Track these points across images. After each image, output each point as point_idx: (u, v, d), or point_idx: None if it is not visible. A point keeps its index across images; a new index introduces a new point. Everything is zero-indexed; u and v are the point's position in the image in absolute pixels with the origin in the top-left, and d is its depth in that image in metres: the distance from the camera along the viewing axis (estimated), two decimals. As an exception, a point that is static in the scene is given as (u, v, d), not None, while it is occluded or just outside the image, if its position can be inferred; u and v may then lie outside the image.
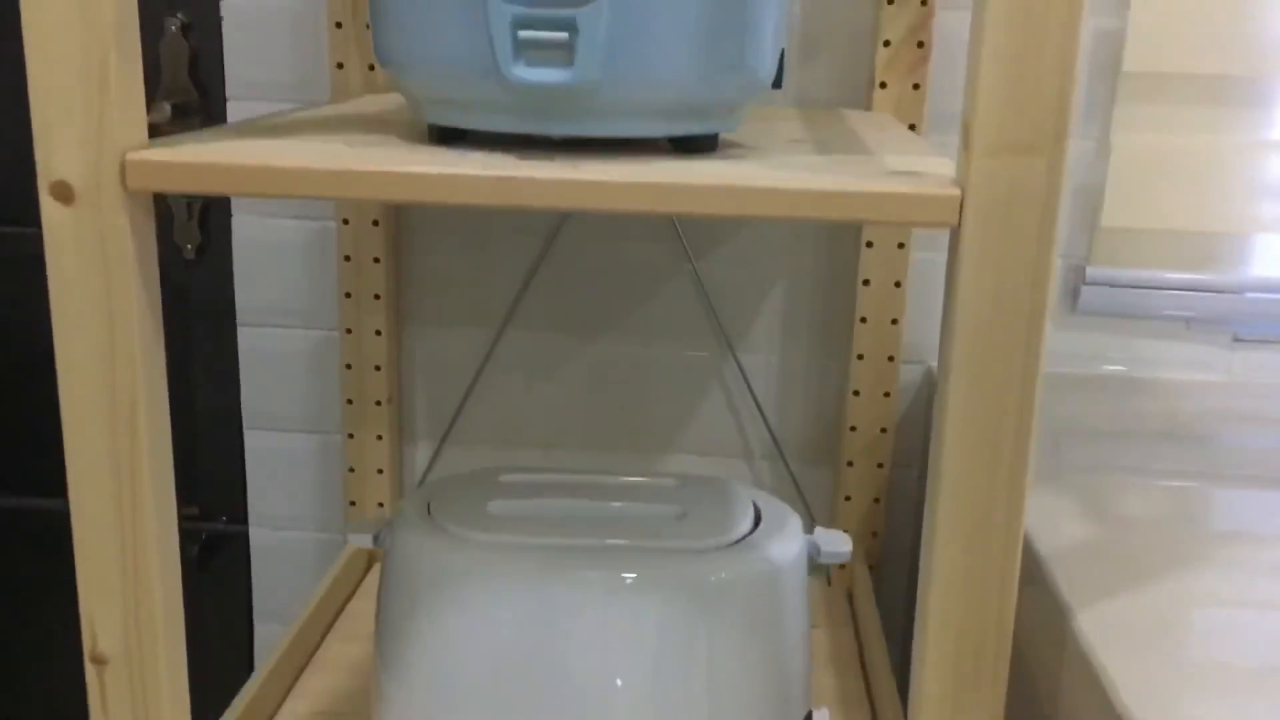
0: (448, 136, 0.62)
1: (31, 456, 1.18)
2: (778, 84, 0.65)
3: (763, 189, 0.53)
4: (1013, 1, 0.50)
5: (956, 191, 0.52)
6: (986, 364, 0.53)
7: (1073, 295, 1.02)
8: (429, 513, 0.71)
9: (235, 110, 1.04)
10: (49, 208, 0.55)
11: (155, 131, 0.57)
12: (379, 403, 1.05)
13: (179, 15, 1.09)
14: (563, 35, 0.54)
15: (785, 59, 0.79)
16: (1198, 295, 1.00)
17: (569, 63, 0.55)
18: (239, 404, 1.12)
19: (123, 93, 0.54)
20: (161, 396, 0.58)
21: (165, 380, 0.58)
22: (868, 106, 0.96)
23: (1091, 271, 1.00)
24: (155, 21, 1.09)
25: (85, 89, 0.53)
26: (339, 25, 0.96)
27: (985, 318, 0.53)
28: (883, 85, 0.94)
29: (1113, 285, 1.00)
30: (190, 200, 1.13)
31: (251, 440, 1.12)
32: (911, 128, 0.94)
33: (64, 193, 0.55)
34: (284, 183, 0.54)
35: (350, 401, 1.05)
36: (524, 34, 0.55)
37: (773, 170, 0.56)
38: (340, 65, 0.96)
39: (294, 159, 0.55)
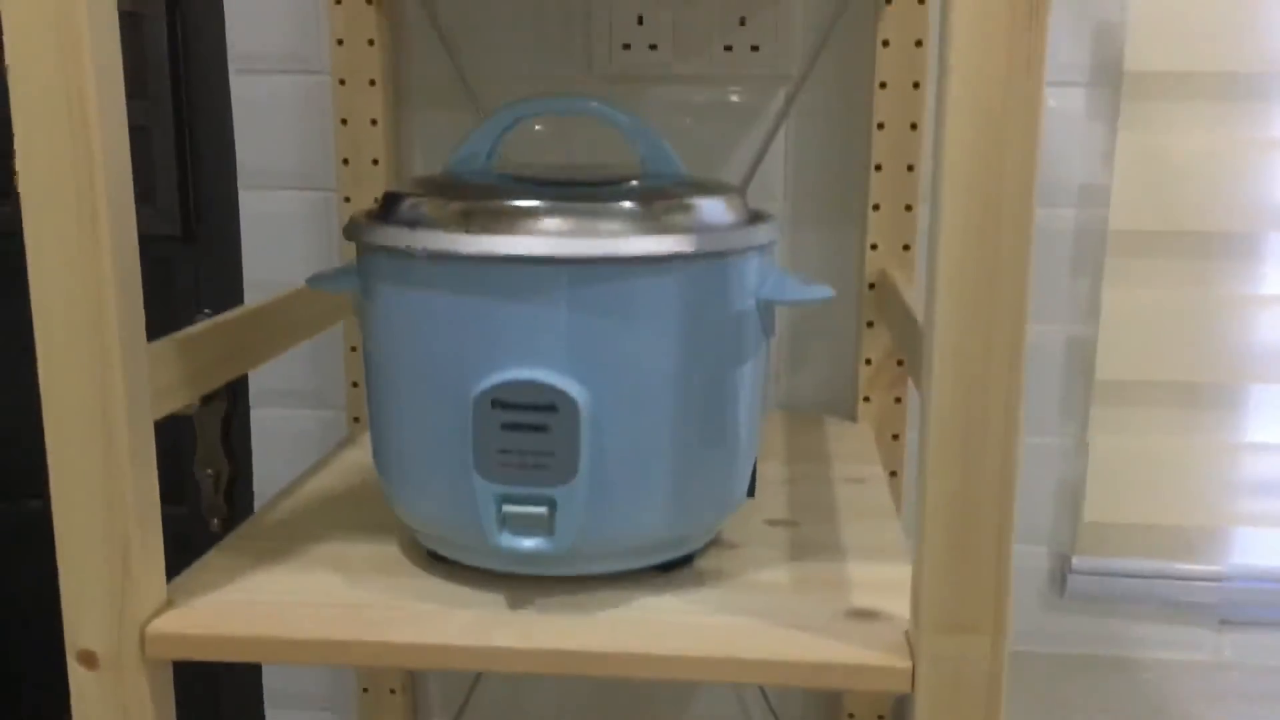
0: (441, 556, 0.67)
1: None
2: (751, 493, 0.70)
3: (730, 660, 0.57)
4: (952, 499, 0.54)
5: (908, 664, 0.56)
6: (943, 822, 0.56)
7: (1059, 583, 1.05)
8: None
9: (257, 417, 1.10)
10: (75, 672, 0.60)
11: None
12: (393, 691, 1.09)
13: (206, 310, 1.16)
14: (542, 510, 0.59)
15: (768, 401, 0.84)
16: (1182, 583, 1.03)
17: (550, 531, 0.60)
18: (260, 688, 1.16)
19: (143, 568, 0.59)
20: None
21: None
22: (853, 416, 1.00)
23: (1077, 561, 1.03)
24: (186, 319, 1.16)
25: (109, 567, 0.59)
26: (355, 385, 1.02)
27: (939, 782, 0.56)
28: (866, 399, 0.99)
29: (1098, 574, 1.03)
30: (216, 474, 1.19)
31: (272, 717, 1.16)
32: (894, 438, 0.99)
33: (89, 659, 0.60)
34: (287, 652, 0.59)
35: (365, 690, 1.09)
36: (508, 509, 0.60)
37: (737, 619, 0.61)
38: (353, 433, 1.03)
39: (296, 625, 0.60)
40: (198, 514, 1.19)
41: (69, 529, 0.59)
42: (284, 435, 1.11)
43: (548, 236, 0.58)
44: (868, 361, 0.98)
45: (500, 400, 0.58)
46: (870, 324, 0.98)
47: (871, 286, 0.97)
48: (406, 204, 0.62)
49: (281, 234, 1.06)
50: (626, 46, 0.98)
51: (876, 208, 0.95)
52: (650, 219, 0.60)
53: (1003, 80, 0.51)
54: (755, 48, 0.98)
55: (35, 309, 0.57)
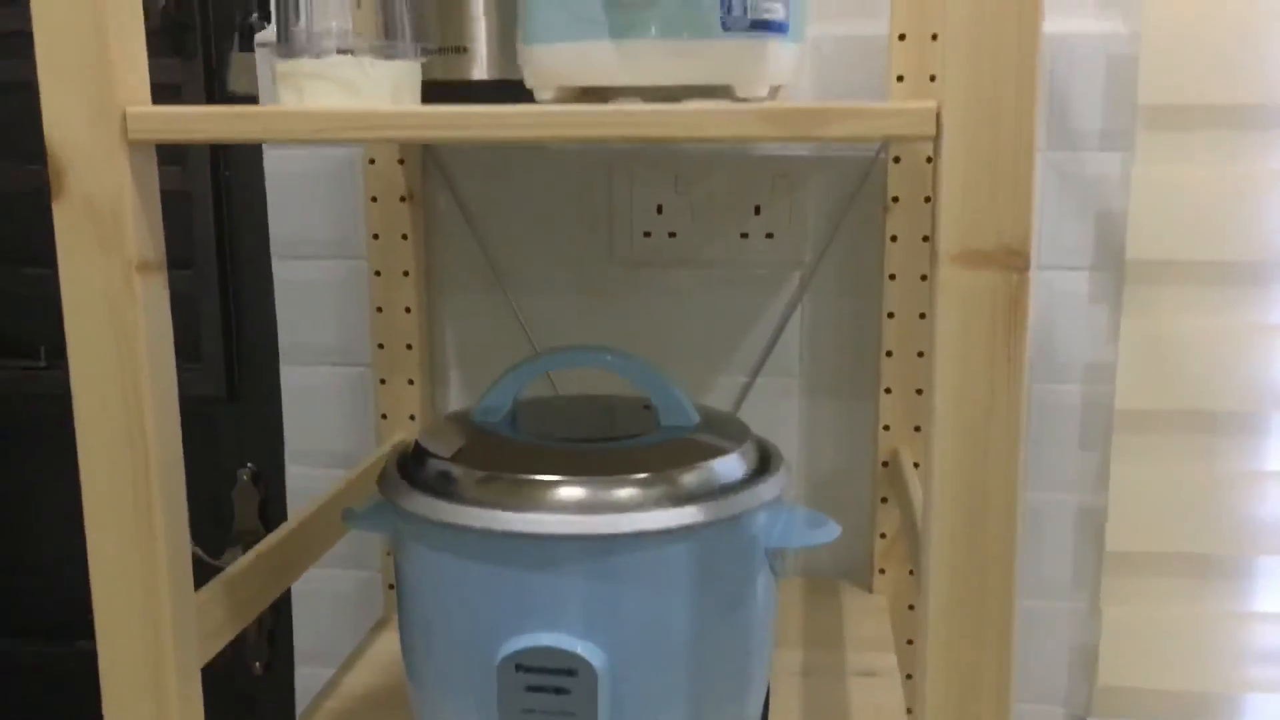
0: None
1: None
2: None
3: None
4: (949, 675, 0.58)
5: None
6: None
7: (1076, 744, 1.07)
8: None
9: (296, 577, 1.15)
10: None
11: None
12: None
13: (250, 465, 1.21)
14: (563, 763, 0.63)
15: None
16: (1196, 746, 1.05)
17: (570, 782, 0.64)
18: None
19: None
20: None
21: None
22: (869, 586, 1.04)
23: (1092, 723, 1.06)
24: (229, 472, 1.21)
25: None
26: (388, 553, 1.06)
27: None
28: (881, 571, 1.02)
29: (1114, 736, 1.06)
30: (259, 620, 1.24)
31: None
32: (910, 608, 1.02)
33: None
34: None
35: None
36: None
37: None
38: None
39: None
40: (241, 657, 1.24)
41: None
42: (322, 592, 1.15)
43: (566, 514, 0.62)
44: (882, 535, 1.02)
45: (523, 664, 0.63)
46: (884, 500, 1.01)
47: (885, 465, 1.00)
48: (432, 466, 0.67)
49: (321, 407, 1.11)
50: (647, 234, 1.03)
51: (889, 391, 0.99)
52: (664, 485, 0.64)
53: (986, 391, 0.55)
54: (770, 235, 1.02)
55: (96, 604, 0.61)
